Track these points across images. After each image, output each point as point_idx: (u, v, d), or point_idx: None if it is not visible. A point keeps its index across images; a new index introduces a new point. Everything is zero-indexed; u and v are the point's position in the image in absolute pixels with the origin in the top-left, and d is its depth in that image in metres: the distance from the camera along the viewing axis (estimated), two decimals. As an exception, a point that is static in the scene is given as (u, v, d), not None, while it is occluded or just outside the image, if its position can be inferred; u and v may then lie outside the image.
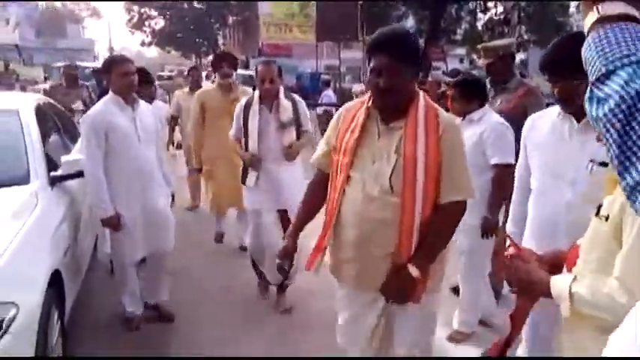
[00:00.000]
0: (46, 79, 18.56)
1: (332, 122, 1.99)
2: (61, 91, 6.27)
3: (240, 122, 3.31)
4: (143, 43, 40.74)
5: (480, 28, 20.53)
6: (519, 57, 20.09)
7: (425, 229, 1.78)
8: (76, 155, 3.20)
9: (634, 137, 0.67)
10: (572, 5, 19.90)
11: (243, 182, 3.40)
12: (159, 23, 39.91)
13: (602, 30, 0.75)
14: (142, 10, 38.81)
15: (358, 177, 1.81)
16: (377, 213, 1.78)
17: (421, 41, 21.24)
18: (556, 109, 1.98)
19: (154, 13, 39.24)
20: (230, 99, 4.06)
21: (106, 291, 3.54)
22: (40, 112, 3.35)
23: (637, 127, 0.67)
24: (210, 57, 39.82)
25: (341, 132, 1.89)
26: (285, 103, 3.27)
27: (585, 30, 0.80)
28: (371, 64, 1.76)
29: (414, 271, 1.77)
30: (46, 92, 6.30)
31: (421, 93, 1.86)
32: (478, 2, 21.16)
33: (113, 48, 43.57)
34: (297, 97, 3.45)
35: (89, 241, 3.42)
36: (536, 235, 2.00)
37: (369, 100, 1.86)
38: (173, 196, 3.43)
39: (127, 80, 2.97)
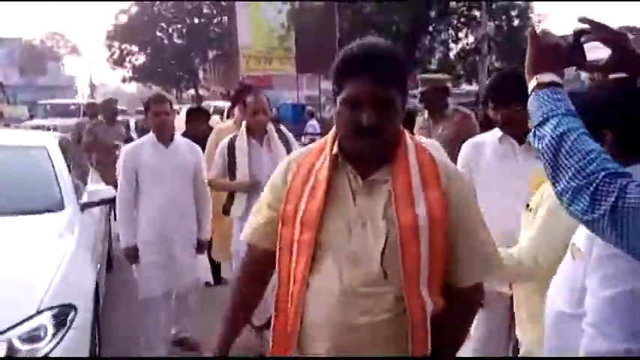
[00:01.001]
0: (31, 117, 18.80)
1: (274, 177, 1.39)
2: (101, 128, 6.31)
3: (224, 161, 3.13)
4: (124, 79, 41.16)
5: (452, 57, 21.47)
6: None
7: (435, 324, 1.26)
8: (97, 186, 3.59)
9: (559, 162, 1.06)
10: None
11: (227, 212, 3.17)
12: (139, 59, 40.51)
13: (539, 92, 1.14)
14: (123, 47, 39.37)
15: (329, 262, 1.24)
16: (364, 315, 1.22)
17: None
18: (493, 134, 2.25)
19: (134, 48, 39.84)
20: None
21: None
22: (61, 148, 3.74)
23: (561, 156, 1.06)
24: (191, 91, 40.58)
25: (293, 193, 1.30)
26: (278, 143, 3.13)
27: (529, 91, 1.21)
28: (344, 92, 1.22)
29: None
30: (89, 130, 6.30)
31: (405, 130, 1.35)
32: (450, 33, 22.21)
33: (94, 84, 43.90)
34: (288, 134, 3.35)
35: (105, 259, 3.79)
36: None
37: (332, 145, 1.30)
38: (201, 243, 3.31)
39: (158, 120, 3.10)
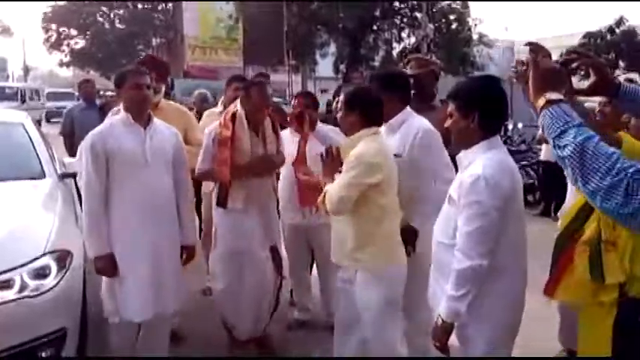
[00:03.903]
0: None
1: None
2: None
3: (211, 152, 2.87)
4: (62, 63, 39.60)
5: (395, 56, 22.40)
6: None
7: None
8: (70, 159, 3.92)
9: (587, 165, 1.16)
10: (475, 38, 22.38)
11: (223, 205, 2.86)
12: (78, 43, 39.09)
13: (550, 108, 1.27)
14: (62, 30, 37.87)
15: None
16: None
17: (342, 66, 22.97)
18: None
19: (73, 32, 38.41)
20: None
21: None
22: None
23: (587, 160, 1.16)
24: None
25: None
26: (272, 136, 3.00)
27: (537, 108, 1.31)
28: None
29: None
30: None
31: None
32: (393, 33, 23.17)
33: (29, 67, 41.95)
34: (276, 125, 3.12)
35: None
36: None
37: None
38: (187, 250, 2.78)
39: (140, 95, 2.57)
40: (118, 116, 2.67)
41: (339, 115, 2.44)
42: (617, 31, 24.38)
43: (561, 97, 1.30)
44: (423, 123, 2.62)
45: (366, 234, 2.35)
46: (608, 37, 24.50)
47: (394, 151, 2.50)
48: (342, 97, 2.43)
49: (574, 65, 1.44)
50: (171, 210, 2.65)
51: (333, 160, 2.42)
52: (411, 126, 2.58)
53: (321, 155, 2.46)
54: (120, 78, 2.66)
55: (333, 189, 2.29)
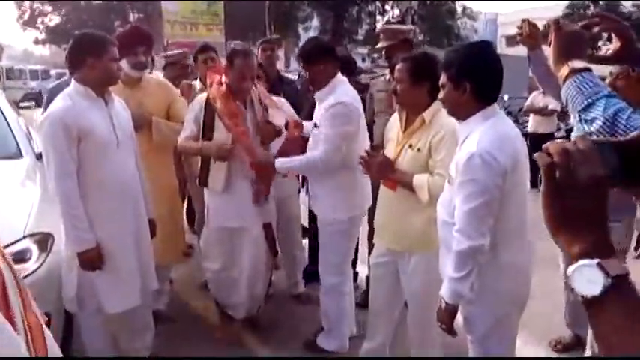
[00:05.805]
0: None
1: None
2: None
3: (199, 124, 2.73)
4: (37, 41, 38.47)
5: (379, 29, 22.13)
6: (415, 56, 22.06)
7: None
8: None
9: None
10: (459, 11, 22.20)
11: (204, 184, 2.80)
12: (53, 19, 37.94)
13: (575, 77, 1.13)
14: (35, 6, 36.69)
15: None
16: None
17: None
18: None
19: (47, 9, 37.24)
20: (136, 101, 2.88)
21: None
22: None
23: (618, 135, 1.02)
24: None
25: None
26: (258, 106, 2.83)
27: (560, 77, 1.18)
28: None
29: None
30: None
31: None
32: (377, 5, 22.86)
33: (2, 46, 40.64)
34: (265, 94, 2.96)
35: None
36: None
37: None
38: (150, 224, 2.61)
39: (118, 69, 2.39)
40: (71, 89, 2.32)
41: (400, 87, 2.25)
42: (601, 2, 24.36)
43: (587, 65, 1.16)
44: (341, 95, 2.59)
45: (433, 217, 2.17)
46: (592, 7, 24.46)
47: (315, 121, 2.66)
48: (405, 70, 2.24)
49: (596, 30, 1.30)
50: (139, 189, 2.51)
51: (380, 158, 2.27)
52: (331, 98, 2.58)
53: (367, 153, 2.33)
54: (100, 45, 2.31)
55: (439, 175, 2.09)
